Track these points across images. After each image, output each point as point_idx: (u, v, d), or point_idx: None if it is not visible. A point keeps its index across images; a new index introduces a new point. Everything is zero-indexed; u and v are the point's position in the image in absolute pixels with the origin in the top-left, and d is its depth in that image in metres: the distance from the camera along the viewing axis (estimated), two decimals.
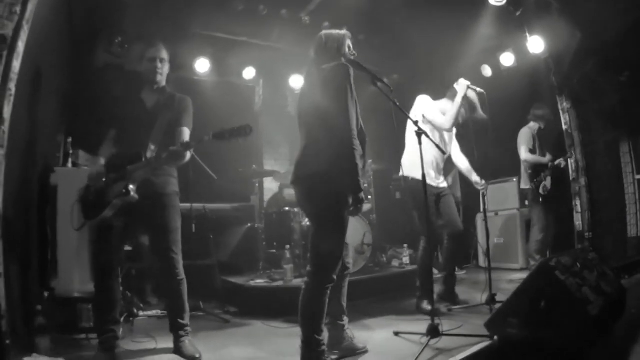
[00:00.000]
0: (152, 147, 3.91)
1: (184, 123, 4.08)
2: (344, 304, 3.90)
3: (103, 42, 7.03)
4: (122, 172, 3.82)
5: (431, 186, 5.25)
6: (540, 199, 7.36)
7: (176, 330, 4.01)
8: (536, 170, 7.42)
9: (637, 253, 7.09)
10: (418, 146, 4.06)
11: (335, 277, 3.49)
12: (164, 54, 4.21)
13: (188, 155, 3.98)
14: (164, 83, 4.24)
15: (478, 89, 5.43)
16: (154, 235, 4.08)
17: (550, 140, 7.82)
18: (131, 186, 3.75)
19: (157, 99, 4.18)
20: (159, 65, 4.16)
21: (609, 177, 7.55)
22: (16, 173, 3.80)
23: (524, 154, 7.44)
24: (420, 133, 4.04)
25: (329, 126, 3.45)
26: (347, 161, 3.36)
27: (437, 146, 4.52)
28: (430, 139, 4.25)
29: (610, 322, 3.87)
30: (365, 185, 6.96)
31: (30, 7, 3.49)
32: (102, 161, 4.02)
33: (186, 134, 4.07)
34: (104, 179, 3.89)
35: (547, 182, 7.35)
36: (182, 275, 4.04)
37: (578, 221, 7.39)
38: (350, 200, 3.42)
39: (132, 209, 3.81)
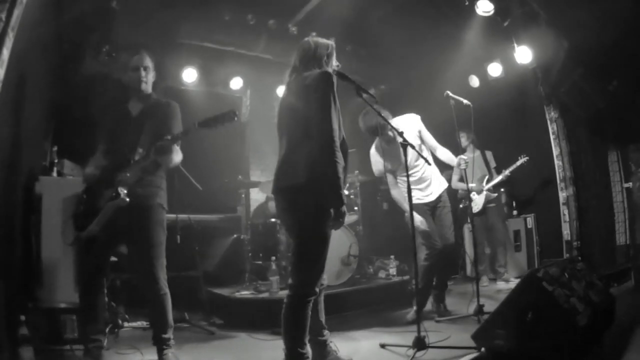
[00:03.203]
0: (140, 150, 3.85)
1: (172, 129, 3.97)
2: (323, 319, 3.82)
3: (90, 51, 6.99)
4: (111, 178, 3.78)
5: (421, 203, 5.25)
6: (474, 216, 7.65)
7: (159, 344, 3.93)
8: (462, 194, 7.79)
9: (625, 261, 7.13)
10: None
11: (317, 289, 3.45)
12: (148, 62, 4.16)
13: (179, 154, 3.96)
14: (149, 90, 4.19)
15: (464, 101, 5.40)
16: (136, 249, 3.99)
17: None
18: (121, 189, 3.71)
19: (143, 107, 4.12)
20: (143, 73, 4.12)
21: (597, 186, 7.58)
22: (0, 181, 3.75)
23: (453, 182, 7.74)
24: (405, 145, 4.03)
25: (310, 135, 3.39)
26: (329, 174, 3.29)
27: (422, 157, 4.49)
28: (416, 151, 4.27)
29: (600, 331, 3.86)
30: (352, 196, 7.00)
31: (16, 13, 3.45)
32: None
33: None
34: (96, 182, 3.86)
35: (479, 201, 7.69)
36: (165, 289, 3.95)
37: (566, 230, 7.40)
38: (332, 214, 3.36)
39: (116, 220, 3.75)
